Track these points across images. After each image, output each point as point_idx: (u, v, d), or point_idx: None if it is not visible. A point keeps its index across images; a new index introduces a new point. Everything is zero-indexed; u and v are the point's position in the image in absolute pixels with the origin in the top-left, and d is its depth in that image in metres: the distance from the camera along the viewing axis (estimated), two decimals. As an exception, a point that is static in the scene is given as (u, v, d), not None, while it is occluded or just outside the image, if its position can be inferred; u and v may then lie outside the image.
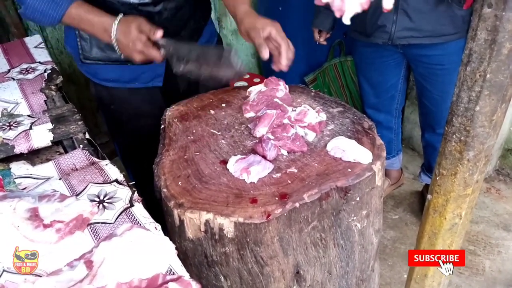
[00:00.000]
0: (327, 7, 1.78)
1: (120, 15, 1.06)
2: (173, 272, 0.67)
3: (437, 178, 1.01)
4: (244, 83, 2.51)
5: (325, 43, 1.89)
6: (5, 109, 1.16)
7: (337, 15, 0.90)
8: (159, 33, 1.04)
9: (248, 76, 2.57)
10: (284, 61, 1.06)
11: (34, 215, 0.75)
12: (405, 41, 1.55)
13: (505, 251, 1.89)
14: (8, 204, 0.77)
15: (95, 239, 0.74)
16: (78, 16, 1.06)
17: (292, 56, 1.08)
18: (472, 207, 1.05)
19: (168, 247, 0.70)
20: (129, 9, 1.11)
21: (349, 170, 0.88)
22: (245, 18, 1.12)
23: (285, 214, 0.80)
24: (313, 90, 1.20)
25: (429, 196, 1.07)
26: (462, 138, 0.91)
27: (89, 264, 0.66)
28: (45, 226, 0.74)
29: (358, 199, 0.88)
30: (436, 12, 1.46)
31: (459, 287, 1.74)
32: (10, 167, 0.95)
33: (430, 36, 1.51)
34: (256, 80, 2.54)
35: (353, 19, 1.74)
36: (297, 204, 0.81)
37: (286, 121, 1.02)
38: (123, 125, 1.35)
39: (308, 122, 0.99)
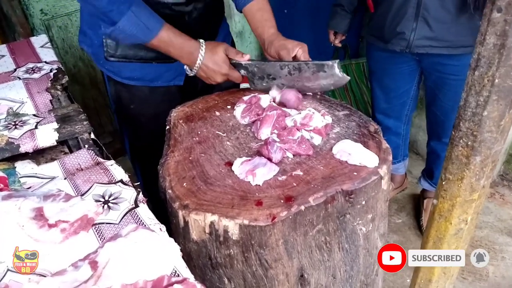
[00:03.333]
0: (344, 8, 1.75)
1: (202, 41, 1.12)
2: (178, 274, 0.66)
3: (443, 183, 1.00)
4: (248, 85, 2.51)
5: (339, 45, 1.87)
6: (10, 108, 1.16)
7: None
8: (247, 56, 1.11)
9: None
10: None
11: (39, 215, 0.75)
12: (423, 50, 1.52)
13: (509, 256, 1.87)
14: (13, 203, 0.77)
15: (100, 240, 0.74)
16: (168, 39, 1.08)
17: None
18: (478, 212, 1.04)
19: (173, 249, 0.69)
20: (162, 8, 1.13)
21: (355, 173, 0.87)
22: (275, 40, 1.18)
23: (291, 217, 0.80)
24: (318, 93, 1.19)
25: (434, 201, 1.06)
26: (469, 143, 0.90)
27: (93, 264, 0.65)
28: (50, 226, 0.73)
29: (363, 203, 0.88)
30: (458, 23, 1.43)
31: (462, 293, 1.73)
32: (15, 166, 0.95)
33: (449, 47, 1.48)
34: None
35: (371, 23, 1.71)
36: (302, 207, 0.80)
37: (290, 123, 1.02)
38: (141, 125, 1.36)
39: (314, 126, 0.99)
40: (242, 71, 1.16)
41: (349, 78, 1.08)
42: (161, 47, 1.10)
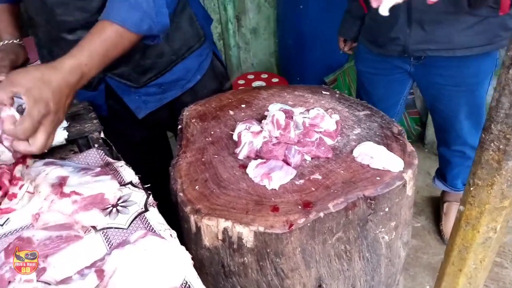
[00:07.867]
0: (352, 14, 1.64)
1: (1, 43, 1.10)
2: (189, 285, 0.62)
3: (471, 189, 0.94)
4: (263, 83, 2.46)
5: (350, 52, 1.77)
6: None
7: (374, 5, 0.85)
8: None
9: (266, 76, 2.52)
10: None
11: (59, 184, 0.74)
12: (422, 53, 1.40)
13: (534, 264, 1.79)
14: (44, 168, 0.80)
15: (108, 245, 0.70)
16: None
17: None
18: (508, 220, 0.98)
19: (184, 258, 0.65)
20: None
21: (378, 178, 0.82)
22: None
23: (309, 224, 0.75)
24: (337, 92, 1.14)
25: (461, 207, 1.00)
26: (501, 146, 0.84)
27: (100, 273, 0.62)
28: (63, 195, 0.72)
29: (386, 209, 0.82)
30: (455, 21, 1.30)
31: (485, 301, 1.66)
32: (27, 164, 0.92)
33: (448, 49, 1.35)
34: (275, 80, 2.49)
35: (364, 26, 1.60)
36: (321, 214, 0.75)
37: (300, 120, 0.95)
38: None
39: (324, 128, 0.93)
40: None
41: None
42: None
